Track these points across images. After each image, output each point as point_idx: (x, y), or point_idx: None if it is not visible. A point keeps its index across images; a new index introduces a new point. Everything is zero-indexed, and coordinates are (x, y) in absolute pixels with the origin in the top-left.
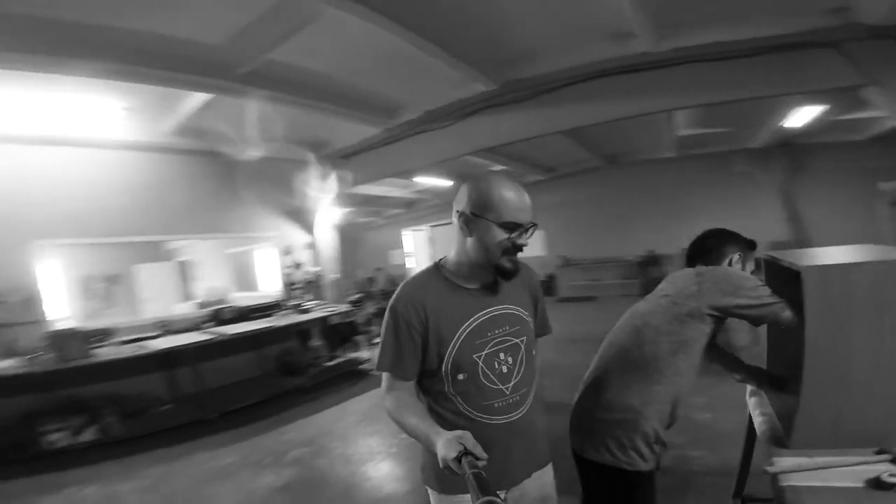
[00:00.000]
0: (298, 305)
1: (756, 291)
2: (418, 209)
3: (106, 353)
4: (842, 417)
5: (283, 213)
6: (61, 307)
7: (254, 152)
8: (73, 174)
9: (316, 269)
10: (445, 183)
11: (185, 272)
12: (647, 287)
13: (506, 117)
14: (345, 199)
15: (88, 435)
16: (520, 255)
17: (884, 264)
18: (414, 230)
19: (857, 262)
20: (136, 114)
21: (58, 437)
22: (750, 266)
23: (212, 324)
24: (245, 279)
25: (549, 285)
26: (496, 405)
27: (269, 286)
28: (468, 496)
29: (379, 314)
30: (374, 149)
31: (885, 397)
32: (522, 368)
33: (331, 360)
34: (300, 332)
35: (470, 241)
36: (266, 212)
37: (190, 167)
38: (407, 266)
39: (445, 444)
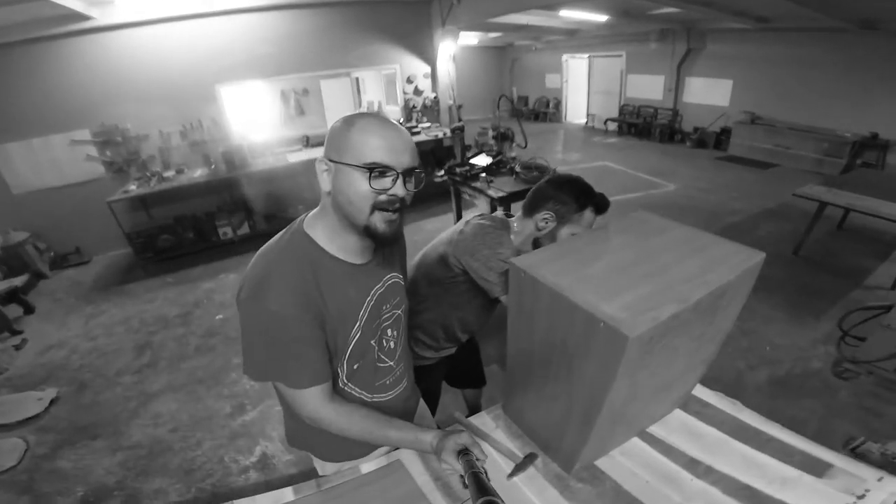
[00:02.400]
0: (412, 128)
1: (490, 261)
2: (580, 37)
3: (261, 163)
4: (524, 413)
5: (406, 48)
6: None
7: None
8: (237, 34)
9: (432, 95)
10: (600, 17)
11: (356, 87)
12: (849, 171)
13: None
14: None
15: (244, 229)
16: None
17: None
18: (573, 56)
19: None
20: None
21: (224, 231)
22: (571, 230)
23: None
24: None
25: (718, 139)
26: (388, 382)
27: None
28: (352, 462)
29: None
30: None
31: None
32: (402, 339)
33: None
34: None
35: (332, 196)
36: (392, 46)
37: (322, 18)
38: (563, 93)
39: (442, 443)
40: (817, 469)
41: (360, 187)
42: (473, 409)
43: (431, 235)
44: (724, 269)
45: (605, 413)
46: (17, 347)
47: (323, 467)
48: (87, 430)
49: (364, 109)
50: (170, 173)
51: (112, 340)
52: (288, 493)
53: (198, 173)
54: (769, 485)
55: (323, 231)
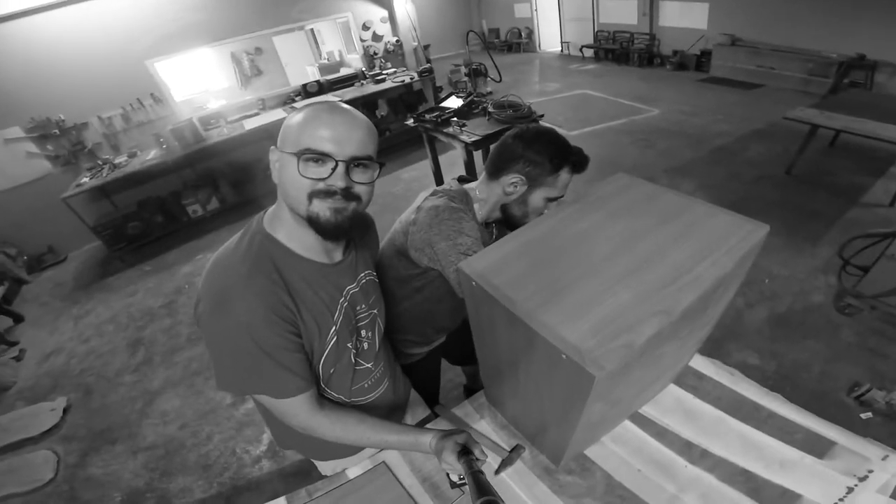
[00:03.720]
0: (376, 76)
1: (449, 256)
2: None
3: (216, 134)
4: (505, 405)
5: None
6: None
7: None
8: (160, 5)
9: (394, 39)
10: None
11: (313, 39)
12: (836, 92)
13: None
14: None
15: (213, 204)
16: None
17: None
18: None
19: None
20: None
21: (193, 209)
22: (544, 193)
23: (300, 97)
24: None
25: (699, 61)
26: (366, 385)
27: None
28: (345, 461)
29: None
30: None
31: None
32: (379, 338)
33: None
34: (366, 102)
35: (279, 188)
36: None
37: None
38: (534, 22)
39: (442, 443)
40: (819, 448)
41: (294, 175)
42: (471, 386)
43: (410, 185)
44: (719, 255)
45: (581, 427)
46: (17, 359)
47: (321, 466)
48: (104, 436)
49: (325, 61)
50: (121, 159)
51: (105, 340)
52: (281, 502)
53: (151, 155)
54: (767, 468)
55: (285, 230)
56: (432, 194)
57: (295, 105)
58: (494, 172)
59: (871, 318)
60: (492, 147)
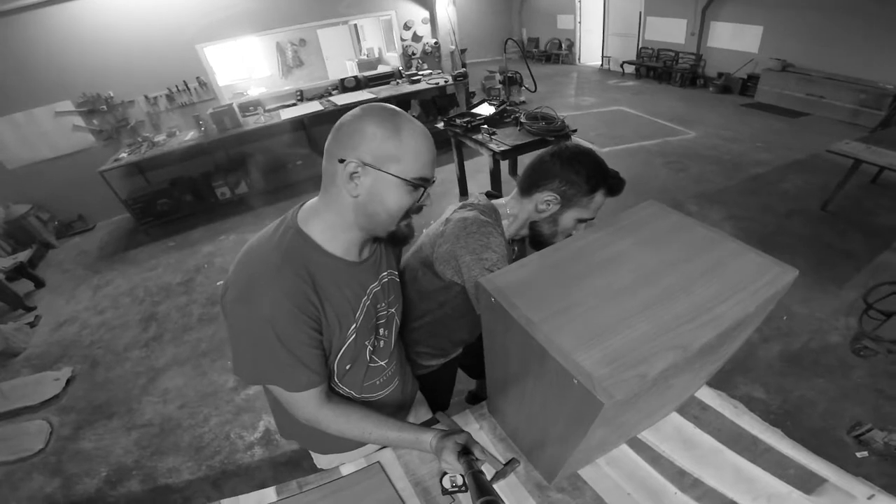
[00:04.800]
0: (412, 76)
1: (473, 270)
2: None
3: (253, 121)
4: (506, 417)
5: None
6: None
7: None
8: None
9: (432, 41)
10: None
11: (355, 34)
12: (888, 125)
13: None
14: None
15: (242, 188)
16: None
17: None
18: None
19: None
20: None
21: (222, 192)
22: (576, 214)
23: (336, 91)
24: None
25: (745, 85)
26: (377, 382)
27: (393, 57)
28: (344, 455)
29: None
30: None
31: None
32: (394, 337)
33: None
34: (399, 102)
35: (359, 201)
36: None
37: None
38: (576, 34)
39: (442, 443)
40: (809, 485)
41: (403, 201)
42: (477, 393)
43: (433, 189)
44: (743, 295)
45: (581, 449)
46: (32, 325)
47: (318, 459)
48: (102, 410)
49: (364, 57)
50: (160, 138)
51: (119, 313)
52: (271, 493)
53: (189, 136)
54: (755, 500)
55: (322, 228)
56: (462, 207)
57: (332, 98)
58: (528, 189)
59: (885, 362)
60: (526, 163)
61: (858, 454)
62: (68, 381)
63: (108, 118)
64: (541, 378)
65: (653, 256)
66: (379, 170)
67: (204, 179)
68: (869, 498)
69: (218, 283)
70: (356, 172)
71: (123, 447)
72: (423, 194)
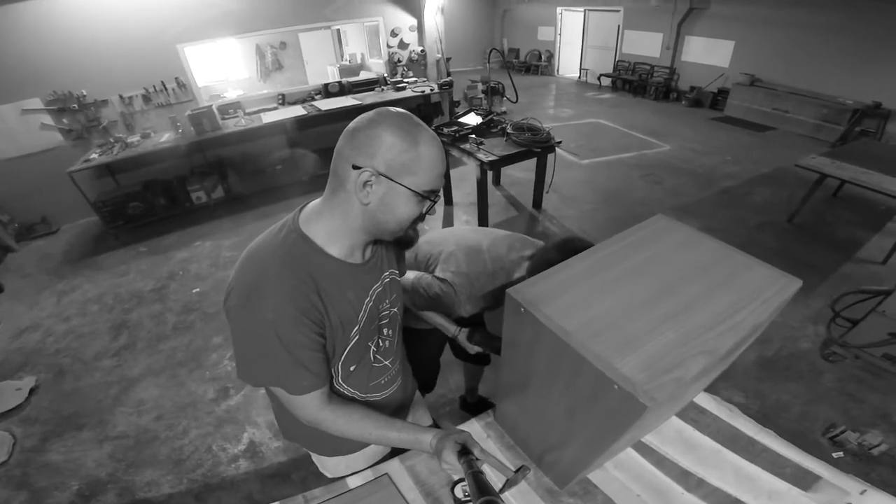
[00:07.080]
0: (398, 83)
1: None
2: None
3: (232, 124)
4: (517, 426)
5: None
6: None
7: None
8: None
9: (419, 49)
10: None
11: (337, 39)
12: (846, 140)
13: None
14: None
15: (218, 193)
16: None
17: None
18: (568, 9)
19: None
20: None
21: (197, 196)
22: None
23: (320, 96)
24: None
25: (715, 99)
26: (382, 382)
27: (377, 63)
28: (352, 456)
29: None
30: None
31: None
32: (398, 337)
33: None
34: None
35: (368, 208)
36: None
37: None
38: (556, 46)
39: (442, 443)
40: (805, 482)
41: (413, 211)
42: (470, 389)
43: None
44: (756, 304)
45: (608, 452)
46: None
47: (320, 461)
48: (71, 420)
49: (346, 63)
50: (134, 139)
51: (87, 320)
52: None
53: (164, 138)
54: (757, 498)
55: (325, 231)
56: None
57: (315, 103)
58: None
59: (853, 367)
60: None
61: (834, 455)
62: (31, 391)
63: (78, 117)
64: (571, 385)
65: (669, 268)
66: (394, 181)
67: (179, 183)
68: (861, 493)
69: (194, 291)
70: (370, 181)
71: (96, 460)
72: (431, 205)
